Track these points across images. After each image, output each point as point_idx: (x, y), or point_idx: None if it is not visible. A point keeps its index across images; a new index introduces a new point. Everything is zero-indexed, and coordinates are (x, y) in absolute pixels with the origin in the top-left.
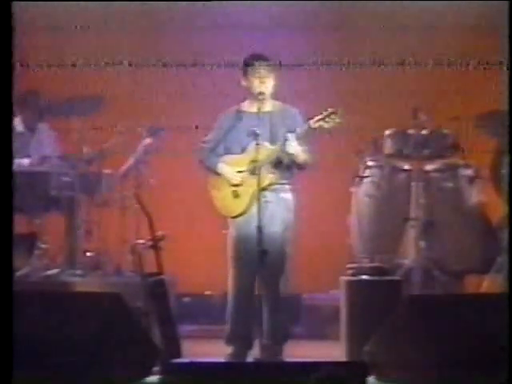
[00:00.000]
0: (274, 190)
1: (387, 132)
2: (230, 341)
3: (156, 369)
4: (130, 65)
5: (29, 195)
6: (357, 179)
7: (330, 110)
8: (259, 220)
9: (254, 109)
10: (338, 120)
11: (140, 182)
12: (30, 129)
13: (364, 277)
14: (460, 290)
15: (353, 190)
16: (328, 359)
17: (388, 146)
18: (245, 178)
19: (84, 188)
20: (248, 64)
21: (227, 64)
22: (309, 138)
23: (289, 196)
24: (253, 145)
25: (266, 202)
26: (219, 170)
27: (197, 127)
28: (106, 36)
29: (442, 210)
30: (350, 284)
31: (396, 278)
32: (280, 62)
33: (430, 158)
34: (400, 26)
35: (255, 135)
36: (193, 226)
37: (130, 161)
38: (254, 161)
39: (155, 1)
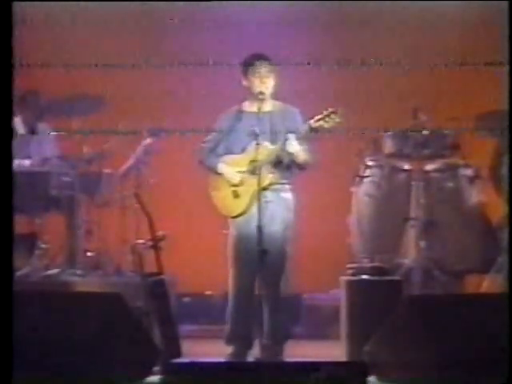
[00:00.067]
0: (274, 190)
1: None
2: (230, 341)
3: (156, 369)
4: (130, 65)
5: (29, 195)
6: (357, 179)
7: (330, 109)
8: (259, 220)
9: (254, 109)
10: (337, 120)
11: (140, 182)
12: (30, 129)
13: (364, 277)
14: (460, 290)
15: (353, 189)
16: (328, 359)
17: (388, 146)
18: (245, 177)
19: (84, 188)
20: (248, 64)
21: (227, 64)
22: (309, 137)
23: (289, 196)
24: (253, 145)
25: (266, 201)
26: (219, 170)
27: (195, 130)
28: (106, 36)
29: (441, 210)
30: (350, 284)
31: (396, 278)
32: (280, 62)
33: (430, 158)
34: (400, 25)
35: (255, 135)
36: (193, 226)
37: (130, 161)
38: (254, 161)
39: (155, 1)
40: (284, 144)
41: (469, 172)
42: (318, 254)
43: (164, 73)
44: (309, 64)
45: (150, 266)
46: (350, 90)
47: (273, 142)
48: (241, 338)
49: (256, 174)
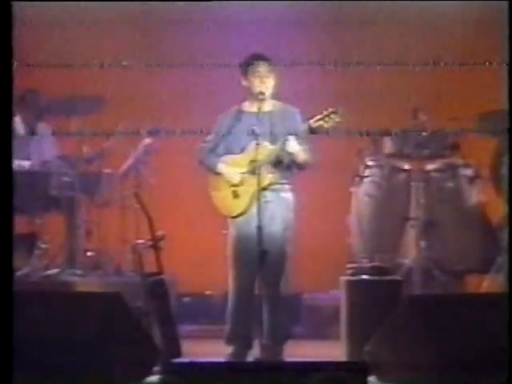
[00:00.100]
0: (274, 190)
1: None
2: (230, 341)
3: (156, 369)
4: (130, 65)
5: (29, 195)
6: (357, 179)
7: (330, 109)
8: (259, 220)
9: (254, 109)
10: (337, 120)
11: (140, 182)
12: (30, 128)
13: (364, 277)
14: (460, 290)
15: (353, 189)
16: (328, 359)
17: (388, 146)
18: (245, 177)
19: (84, 188)
20: (248, 64)
21: (227, 64)
22: (309, 137)
23: (289, 196)
24: (253, 145)
25: (266, 201)
26: (219, 170)
27: (195, 130)
28: (106, 36)
29: (442, 210)
30: (350, 284)
31: (396, 277)
32: (280, 62)
33: (430, 158)
34: (400, 25)
35: (255, 135)
36: (193, 226)
37: (130, 161)
38: (253, 161)
39: (155, 1)
40: (284, 144)
41: (469, 172)
42: (318, 254)
43: (164, 73)
44: (309, 64)
45: (150, 266)
46: (350, 90)
47: (273, 142)
48: (241, 338)
49: (256, 174)
